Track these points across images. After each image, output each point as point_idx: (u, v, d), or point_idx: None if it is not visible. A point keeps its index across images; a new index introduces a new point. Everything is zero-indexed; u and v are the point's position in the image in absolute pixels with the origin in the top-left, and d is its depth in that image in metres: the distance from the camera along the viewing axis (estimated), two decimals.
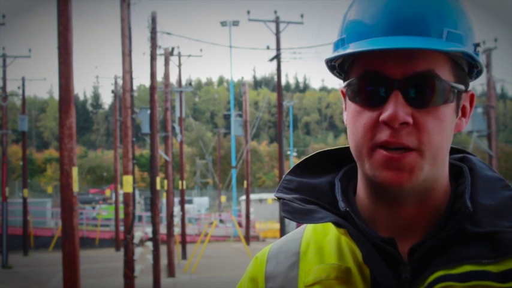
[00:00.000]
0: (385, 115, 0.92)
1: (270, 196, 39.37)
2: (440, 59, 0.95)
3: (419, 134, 0.93)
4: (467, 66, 1.00)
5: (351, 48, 0.95)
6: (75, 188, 8.38)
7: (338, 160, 1.13)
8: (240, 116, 32.56)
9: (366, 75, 0.95)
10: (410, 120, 0.92)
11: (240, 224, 32.56)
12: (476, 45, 0.99)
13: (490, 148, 20.35)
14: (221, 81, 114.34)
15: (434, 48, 0.92)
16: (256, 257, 1.16)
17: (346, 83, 1.00)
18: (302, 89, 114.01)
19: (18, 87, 27.96)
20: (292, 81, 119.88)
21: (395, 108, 0.92)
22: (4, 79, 25.81)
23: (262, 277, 1.11)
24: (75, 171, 8.36)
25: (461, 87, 0.98)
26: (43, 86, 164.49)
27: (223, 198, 47.40)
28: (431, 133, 0.93)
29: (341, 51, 0.97)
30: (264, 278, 1.10)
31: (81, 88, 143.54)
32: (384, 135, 0.93)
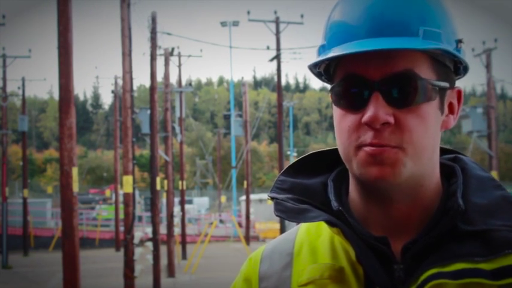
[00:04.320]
0: (366, 116, 0.93)
1: None
2: (418, 57, 0.95)
3: (402, 133, 0.94)
4: (452, 63, 1.00)
5: (329, 54, 0.96)
6: (75, 188, 8.38)
7: (331, 161, 1.13)
8: (240, 116, 32.47)
9: (347, 78, 0.97)
10: (391, 120, 0.93)
11: (240, 224, 32.52)
12: (459, 41, 0.99)
13: (490, 148, 20.34)
14: (221, 81, 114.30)
15: (408, 47, 0.92)
16: (250, 258, 1.16)
17: (330, 87, 1.01)
18: (302, 89, 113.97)
19: (18, 88, 27.93)
20: (292, 82, 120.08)
21: (375, 109, 0.92)
22: (4, 79, 25.76)
23: (256, 277, 1.12)
24: (75, 171, 8.36)
25: (445, 84, 0.98)
26: (43, 86, 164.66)
27: (223, 199, 47.38)
28: (413, 131, 0.94)
29: (319, 58, 0.98)
30: (258, 278, 1.11)
31: (81, 88, 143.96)
32: (367, 137, 0.94)
